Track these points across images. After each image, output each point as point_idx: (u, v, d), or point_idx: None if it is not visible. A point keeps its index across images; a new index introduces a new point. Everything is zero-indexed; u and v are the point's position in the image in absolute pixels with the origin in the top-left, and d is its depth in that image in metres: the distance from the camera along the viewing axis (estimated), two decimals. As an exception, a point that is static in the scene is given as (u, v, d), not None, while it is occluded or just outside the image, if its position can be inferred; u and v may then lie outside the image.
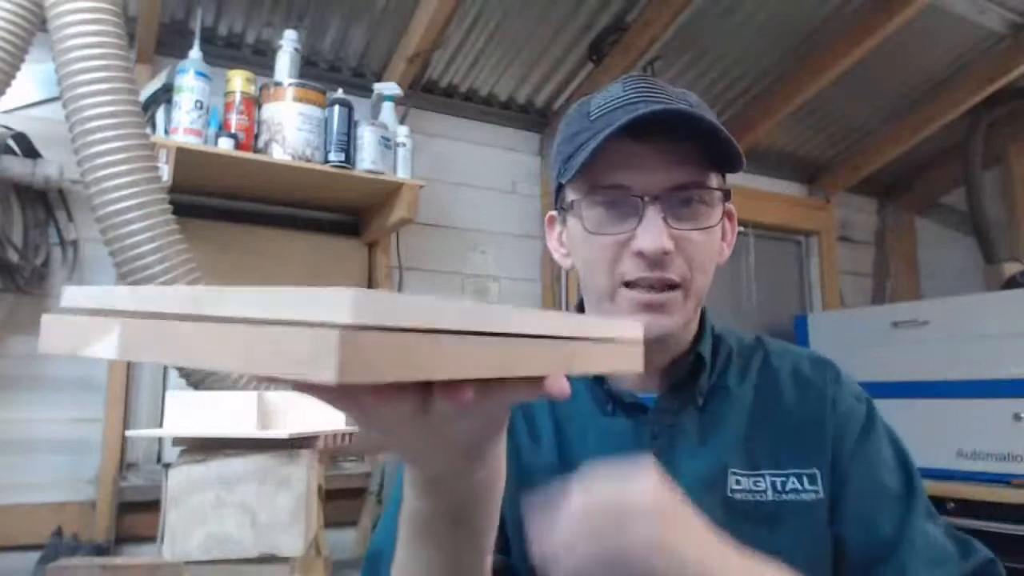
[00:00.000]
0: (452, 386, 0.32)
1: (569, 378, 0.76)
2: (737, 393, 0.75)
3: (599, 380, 0.74)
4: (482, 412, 0.39)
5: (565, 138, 0.72)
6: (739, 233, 3.33)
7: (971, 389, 2.47)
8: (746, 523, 0.69)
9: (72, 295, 0.35)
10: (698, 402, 0.73)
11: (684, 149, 0.66)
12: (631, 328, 0.42)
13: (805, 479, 0.70)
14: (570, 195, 0.71)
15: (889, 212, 3.82)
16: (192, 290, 0.31)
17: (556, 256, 0.78)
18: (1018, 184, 3.25)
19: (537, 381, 0.37)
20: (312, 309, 0.26)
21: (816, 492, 0.70)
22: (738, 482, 0.70)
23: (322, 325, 0.25)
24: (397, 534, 0.50)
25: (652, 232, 0.65)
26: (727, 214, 0.75)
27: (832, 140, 3.34)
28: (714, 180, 0.69)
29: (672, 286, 0.67)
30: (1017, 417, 2.33)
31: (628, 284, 0.67)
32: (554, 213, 0.78)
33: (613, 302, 0.69)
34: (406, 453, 0.43)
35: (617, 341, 0.41)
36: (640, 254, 0.66)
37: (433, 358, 0.28)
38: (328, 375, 0.24)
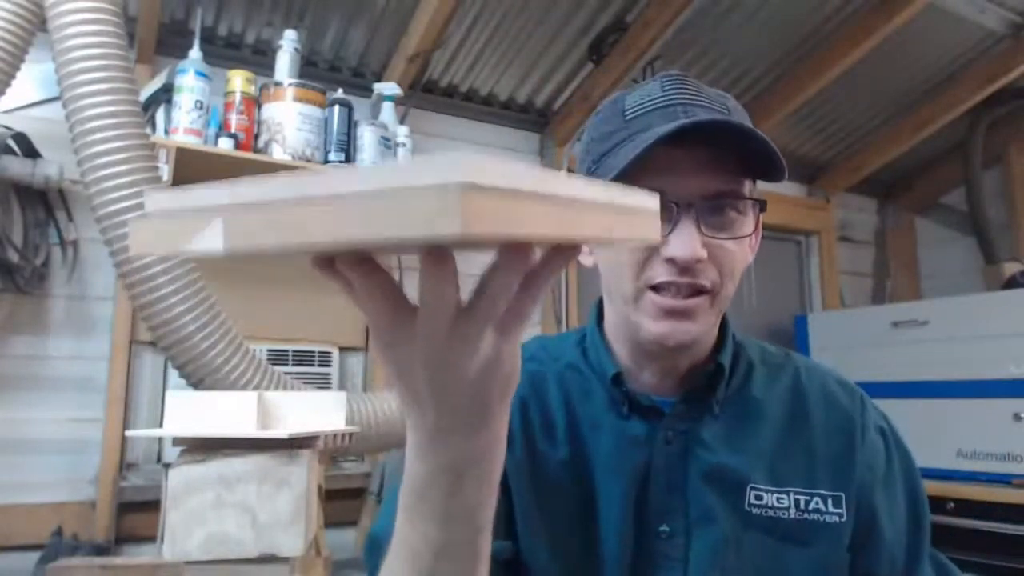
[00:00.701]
0: (520, 245, 0.36)
1: (586, 377, 0.76)
2: (765, 405, 0.74)
3: (617, 381, 0.73)
4: (510, 332, 0.41)
5: (597, 137, 0.71)
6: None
7: (971, 389, 2.47)
8: (761, 535, 0.68)
9: (156, 200, 0.35)
10: (715, 411, 0.72)
11: (722, 157, 0.65)
12: (649, 199, 0.43)
13: (830, 501, 0.70)
14: None
15: (889, 212, 3.82)
16: (291, 177, 0.32)
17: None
18: (1018, 184, 3.25)
19: (577, 249, 0.40)
20: (428, 174, 0.28)
21: (840, 515, 0.69)
22: (759, 497, 0.69)
23: (442, 186, 0.27)
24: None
25: (685, 239, 0.64)
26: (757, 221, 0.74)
27: (832, 140, 3.34)
28: (749, 189, 0.69)
29: (700, 291, 0.67)
30: (1017, 417, 2.33)
31: (655, 288, 0.67)
32: None
33: (637, 305, 0.68)
34: (418, 390, 0.42)
35: (638, 212, 0.42)
36: (672, 260, 0.65)
37: (528, 217, 0.31)
38: (453, 227, 0.27)
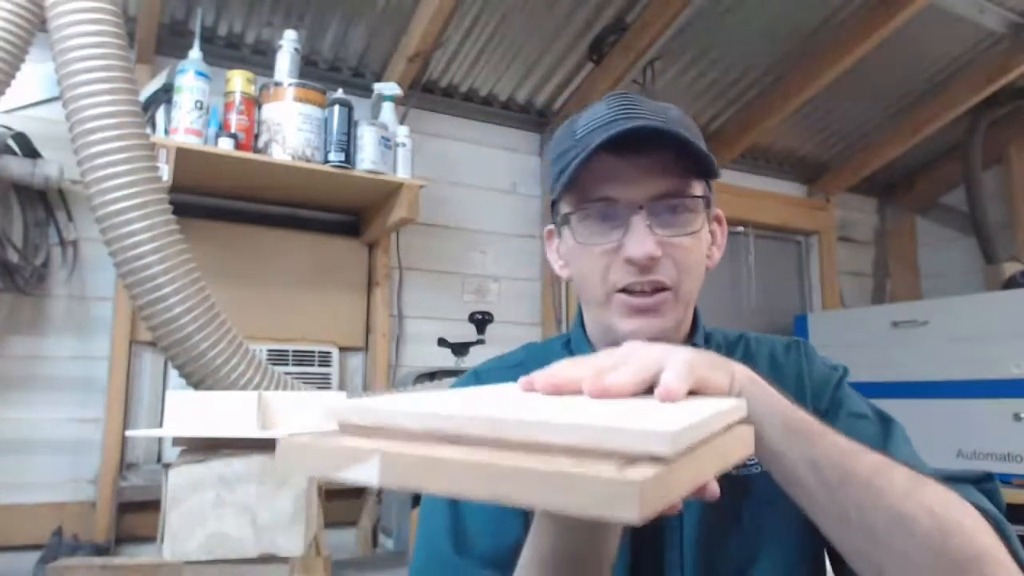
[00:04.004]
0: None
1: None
2: None
3: None
4: None
5: (554, 157, 0.77)
6: (739, 233, 3.30)
7: (971, 389, 2.47)
8: (744, 499, 0.72)
9: (340, 411, 0.37)
10: None
11: (663, 161, 0.70)
12: (737, 408, 0.45)
13: None
14: (563, 209, 0.76)
15: (889, 212, 3.82)
16: (497, 403, 0.33)
17: (555, 268, 0.83)
18: (1018, 184, 3.25)
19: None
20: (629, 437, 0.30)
21: None
22: None
23: (615, 480, 0.29)
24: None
25: (638, 239, 0.69)
26: (716, 219, 0.79)
27: (832, 140, 3.34)
28: (696, 188, 0.72)
29: (662, 288, 0.71)
30: (1017, 417, 2.33)
31: (621, 290, 0.72)
32: (552, 227, 0.82)
33: (608, 308, 0.73)
34: None
35: (732, 427, 0.44)
36: (630, 261, 0.70)
37: (695, 473, 0.35)
38: (630, 516, 0.28)
